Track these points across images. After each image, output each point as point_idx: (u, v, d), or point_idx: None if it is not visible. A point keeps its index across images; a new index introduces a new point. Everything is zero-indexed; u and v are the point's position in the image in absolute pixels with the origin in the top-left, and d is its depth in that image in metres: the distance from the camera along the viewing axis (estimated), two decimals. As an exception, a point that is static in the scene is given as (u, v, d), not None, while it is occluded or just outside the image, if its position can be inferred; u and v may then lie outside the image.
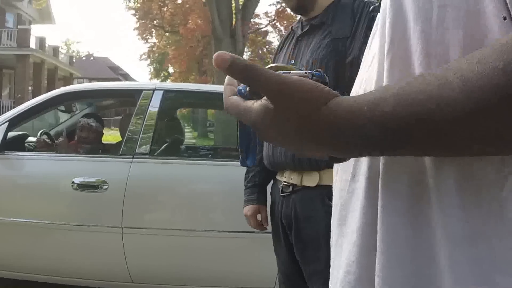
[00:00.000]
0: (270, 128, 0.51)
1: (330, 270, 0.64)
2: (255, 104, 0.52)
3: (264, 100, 0.51)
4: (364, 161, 0.56)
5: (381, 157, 0.52)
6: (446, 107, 0.40)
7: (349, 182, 0.60)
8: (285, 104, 0.49)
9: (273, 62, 2.00)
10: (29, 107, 3.35)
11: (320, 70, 0.56)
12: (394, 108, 0.43)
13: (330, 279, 0.64)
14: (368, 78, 0.58)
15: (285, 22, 30.58)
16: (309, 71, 0.55)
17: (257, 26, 32.50)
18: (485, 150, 0.42)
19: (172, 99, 3.77)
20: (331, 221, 0.66)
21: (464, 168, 0.45)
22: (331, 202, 1.82)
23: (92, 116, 3.96)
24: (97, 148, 3.71)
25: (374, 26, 0.62)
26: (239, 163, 0.72)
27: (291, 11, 1.93)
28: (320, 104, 0.48)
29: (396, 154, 0.48)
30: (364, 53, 0.65)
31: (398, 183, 0.50)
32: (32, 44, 24.74)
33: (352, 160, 0.59)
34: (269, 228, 2.04)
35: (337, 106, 0.48)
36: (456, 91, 0.40)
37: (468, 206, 0.45)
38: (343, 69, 1.64)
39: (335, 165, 0.66)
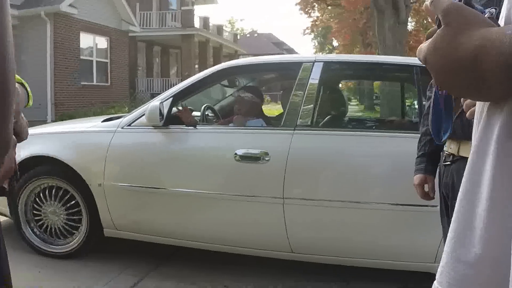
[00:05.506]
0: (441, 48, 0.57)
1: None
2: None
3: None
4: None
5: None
6: None
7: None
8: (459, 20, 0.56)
9: None
10: (192, 82, 3.50)
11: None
12: None
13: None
14: None
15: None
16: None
17: (422, -6, 30.95)
18: None
19: (333, 71, 3.71)
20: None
21: None
22: None
23: (249, 88, 4.05)
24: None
25: None
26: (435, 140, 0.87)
27: None
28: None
29: None
30: None
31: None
32: (196, 24, 25.76)
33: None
34: (434, 201, 2.05)
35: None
36: None
37: None
38: None
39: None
